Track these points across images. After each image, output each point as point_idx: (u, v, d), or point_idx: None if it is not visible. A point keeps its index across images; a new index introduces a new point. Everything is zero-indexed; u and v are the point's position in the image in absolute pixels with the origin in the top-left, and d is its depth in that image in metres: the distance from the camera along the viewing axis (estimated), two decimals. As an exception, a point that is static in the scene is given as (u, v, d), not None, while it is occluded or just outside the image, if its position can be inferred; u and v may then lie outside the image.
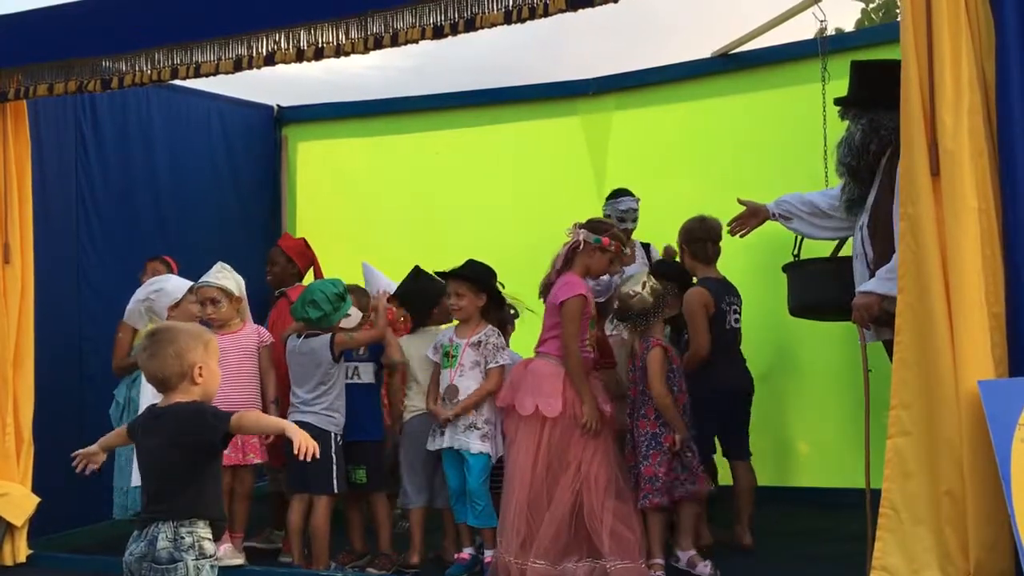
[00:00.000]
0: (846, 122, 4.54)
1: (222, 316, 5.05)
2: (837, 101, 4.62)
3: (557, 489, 4.45)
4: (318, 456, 3.07)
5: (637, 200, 5.84)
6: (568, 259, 4.69)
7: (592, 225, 4.75)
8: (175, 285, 5.27)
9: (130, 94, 6.26)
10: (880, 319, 4.10)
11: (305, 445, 2.99)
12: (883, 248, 4.15)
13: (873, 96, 4.38)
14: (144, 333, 3.36)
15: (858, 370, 4.78)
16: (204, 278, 5.10)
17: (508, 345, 5.03)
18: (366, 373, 5.10)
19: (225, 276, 5.08)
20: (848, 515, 4.09)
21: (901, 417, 3.55)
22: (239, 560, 4.85)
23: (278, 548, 5.25)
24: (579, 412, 4.50)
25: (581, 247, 4.66)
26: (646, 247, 5.82)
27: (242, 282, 5.17)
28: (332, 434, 4.88)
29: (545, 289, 4.77)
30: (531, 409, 4.52)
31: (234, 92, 7.29)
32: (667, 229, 5.67)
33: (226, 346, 4.96)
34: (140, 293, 5.37)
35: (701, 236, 5.27)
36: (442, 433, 4.79)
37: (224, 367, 4.90)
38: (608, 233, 4.73)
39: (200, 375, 3.05)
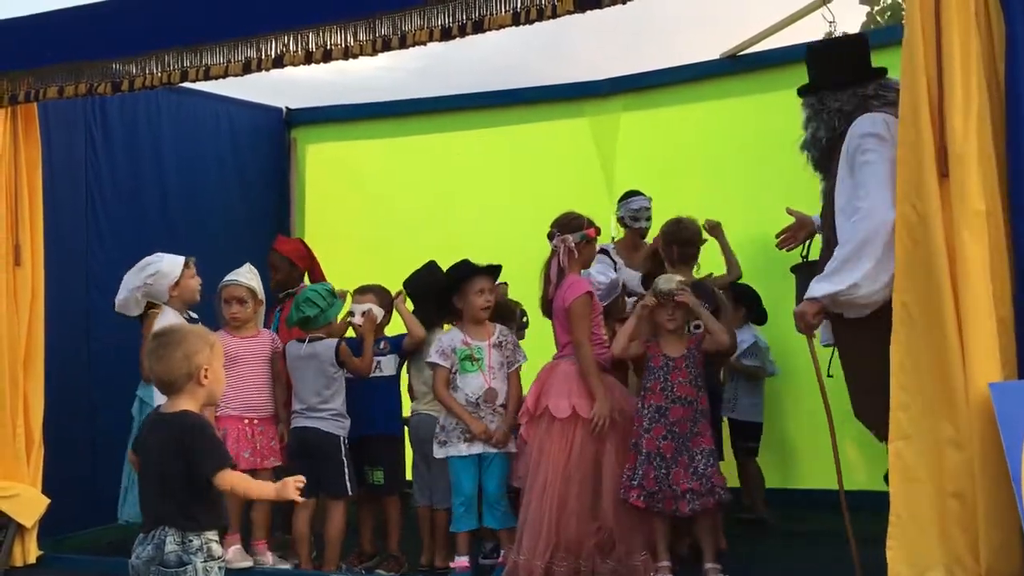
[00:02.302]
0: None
1: (246, 316, 5.05)
2: (799, 92, 4.44)
3: (583, 487, 4.44)
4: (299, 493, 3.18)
5: (649, 199, 5.84)
6: (563, 267, 4.65)
7: (570, 225, 4.71)
8: (170, 264, 5.16)
9: (140, 97, 6.27)
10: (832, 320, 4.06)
11: (294, 486, 3.12)
12: (828, 239, 4.07)
13: (818, 78, 4.28)
14: (150, 335, 3.33)
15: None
16: (233, 276, 5.08)
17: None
18: (388, 366, 5.10)
19: (253, 277, 5.09)
20: (857, 517, 4.08)
21: (900, 420, 3.53)
22: (248, 563, 4.86)
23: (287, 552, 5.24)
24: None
25: (576, 253, 4.64)
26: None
27: (261, 286, 5.20)
28: (341, 438, 4.90)
29: (547, 305, 4.74)
30: (568, 412, 4.48)
31: (242, 94, 7.32)
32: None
33: (244, 351, 5.04)
34: (133, 280, 5.21)
35: (674, 240, 5.27)
36: (468, 440, 4.71)
37: (243, 372, 4.99)
38: (585, 224, 4.72)
39: (206, 377, 3.05)
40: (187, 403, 3.07)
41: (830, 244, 4.03)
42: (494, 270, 4.91)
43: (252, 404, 5.00)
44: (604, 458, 4.48)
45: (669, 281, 4.65)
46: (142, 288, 5.17)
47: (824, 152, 4.18)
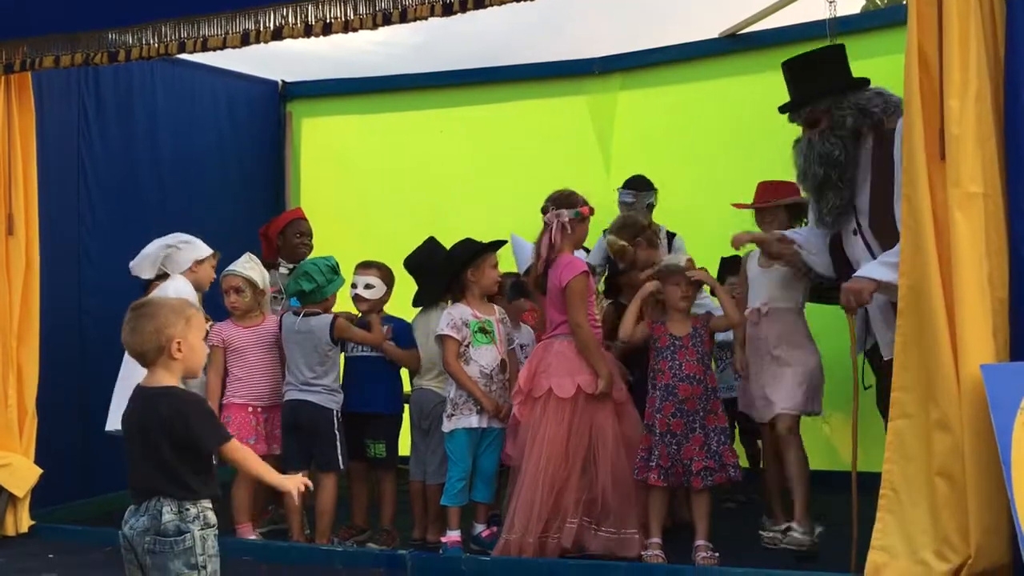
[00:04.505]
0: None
1: (245, 306, 5.10)
2: (802, 99, 4.42)
3: (579, 464, 4.46)
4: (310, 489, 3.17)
5: (635, 193, 5.78)
6: (554, 243, 4.62)
7: (565, 201, 4.66)
8: (202, 244, 5.19)
9: (134, 67, 6.22)
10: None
11: (302, 487, 3.09)
12: (891, 243, 4.01)
13: (844, 80, 4.33)
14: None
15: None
16: (231, 267, 5.12)
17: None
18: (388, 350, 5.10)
19: (252, 267, 5.12)
20: (845, 497, 4.11)
21: (902, 400, 3.57)
22: (252, 536, 4.96)
23: (283, 528, 5.24)
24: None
25: (569, 228, 4.61)
26: (671, 237, 5.73)
27: (267, 276, 5.22)
28: (334, 412, 4.90)
29: (539, 281, 4.69)
30: (571, 391, 4.47)
31: (238, 66, 7.26)
32: (673, 209, 5.68)
33: (248, 339, 5.09)
34: (161, 241, 5.15)
35: (645, 224, 5.22)
36: (478, 411, 4.71)
37: (248, 361, 5.06)
38: (580, 202, 4.66)
39: (179, 350, 3.01)
40: (165, 377, 3.03)
41: (890, 239, 3.96)
42: (499, 246, 4.96)
43: (257, 392, 5.05)
44: (599, 432, 4.50)
45: (677, 259, 4.66)
46: (168, 250, 5.10)
47: (854, 159, 4.23)
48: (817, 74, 4.40)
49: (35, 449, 5.20)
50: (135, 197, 6.40)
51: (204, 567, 2.92)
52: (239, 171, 7.26)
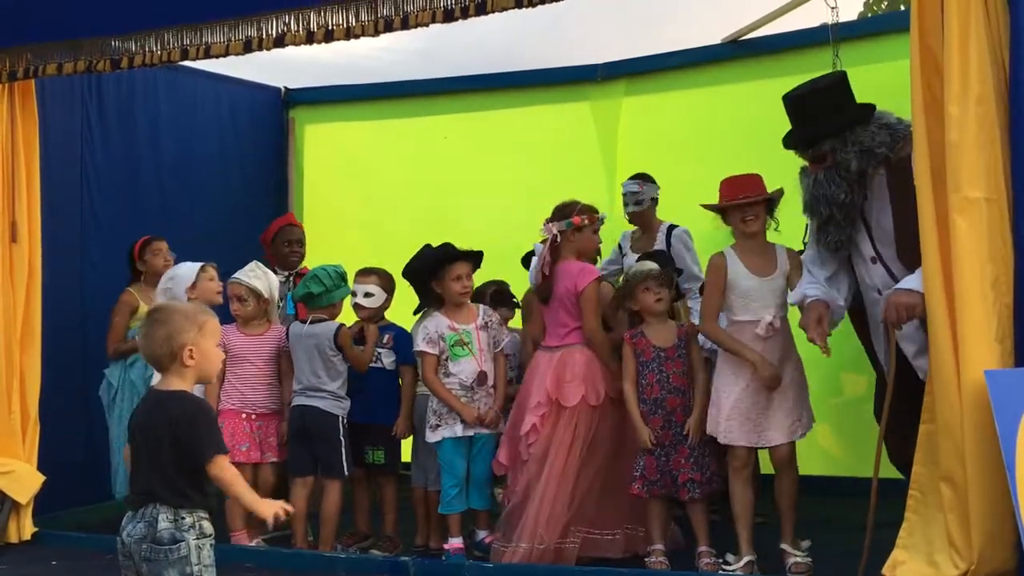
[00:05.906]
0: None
1: (246, 314, 5.11)
2: (803, 140, 4.25)
3: (603, 466, 4.54)
4: (288, 515, 3.08)
5: (640, 183, 5.75)
6: (553, 253, 4.64)
7: (561, 212, 4.69)
8: (185, 269, 5.20)
9: (136, 74, 6.22)
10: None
11: (279, 512, 3.02)
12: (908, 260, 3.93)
13: (847, 117, 4.17)
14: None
15: (860, 360, 4.78)
16: (236, 275, 5.14)
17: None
18: (389, 361, 5.09)
19: (257, 276, 5.13)
20: (848, 503, 4.09)
21: (929, 403, 3.59)
22: (247, 543, 4.91)
23: (287, 535, 5.22)
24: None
25: (559, 239, 4.63)
26: (671, 229, 5.63)
27: (275, 284, 5.22)
28: (340, 417, 4.90)
29: (546, 290, 4.66)
30: (601, 398, 4.54)
31: (240, 73, 7.26)
32: (676, 215, 5.66)
33: (247, 347, 5.10)
34: (158, 289, 5.24)
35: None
36: (461, 420, 4.72)
37: (245, 369, 5.06)
38: (575, 211, 4.67)
39: (191, 357, 3.01)
40: (177, 382, 3.04)
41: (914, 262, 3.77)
42: (473, 256, 4.90)
43: (251, 400, 5.05)
44: (630, 434, 4.53)
45: (641, 265, 4.67)
46: (166, 293, 5.14)
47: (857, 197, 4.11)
48: (817, 110, 4.23)
49: (38, 456, 5.19)
50: (138, 204, 6.40)
51: (199, 576, 2.92)
52: (242, 178, 7.26)
